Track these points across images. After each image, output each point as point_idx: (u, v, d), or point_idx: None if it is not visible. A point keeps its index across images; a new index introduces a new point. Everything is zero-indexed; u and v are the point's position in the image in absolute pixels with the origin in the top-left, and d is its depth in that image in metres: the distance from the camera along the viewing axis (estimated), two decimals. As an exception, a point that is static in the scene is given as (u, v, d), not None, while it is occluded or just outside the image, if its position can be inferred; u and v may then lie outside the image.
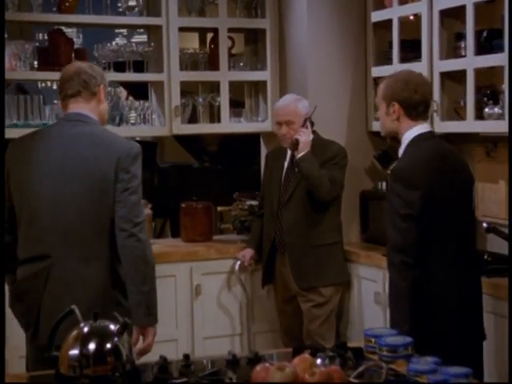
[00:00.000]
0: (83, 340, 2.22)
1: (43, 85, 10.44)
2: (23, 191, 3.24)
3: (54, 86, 11.36)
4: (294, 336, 4.75)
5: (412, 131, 3.34)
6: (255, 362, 2.40)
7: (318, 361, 2.38)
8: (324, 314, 4.61)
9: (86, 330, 2.24)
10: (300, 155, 4.49)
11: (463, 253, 3.33)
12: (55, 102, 9.07)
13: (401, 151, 3.38)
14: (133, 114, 5.08)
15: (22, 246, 3.25)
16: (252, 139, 5.71)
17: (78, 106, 3.29)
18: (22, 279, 3.22)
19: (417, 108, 3.33)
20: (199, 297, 4.81)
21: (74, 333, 2.24)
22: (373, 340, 2.57)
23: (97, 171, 3.17)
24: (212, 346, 4.79)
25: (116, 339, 2.22)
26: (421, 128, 3.35)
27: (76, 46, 5.14)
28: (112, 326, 2.25)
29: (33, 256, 3.19)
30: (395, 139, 4.77)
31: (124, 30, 10.75)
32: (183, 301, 4.78)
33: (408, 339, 2.50)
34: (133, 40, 9.55)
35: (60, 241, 3.16)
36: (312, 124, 4.58)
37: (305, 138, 4.50)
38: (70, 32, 12.79)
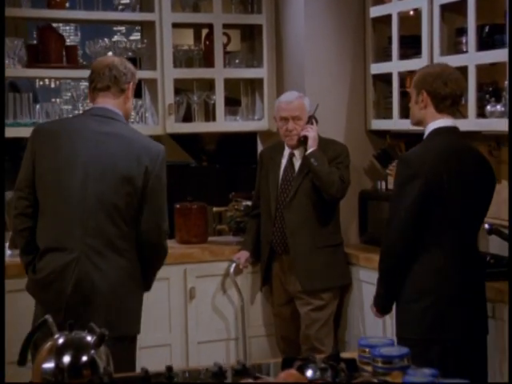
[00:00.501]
0: (58, 352, 2.09)
1: (41, 83, 10.33)
2: (50, 181, 3.30)
3: (52, 85, 11.27)
4: (290, 341, 4.65)
5: (434, 123, 3.40)
6: (242, 374, 2.29)
7: (309, 373, 2.26)
8: (323, 318, 4.49)
9: (60, 341, 2.11)
10: (309, 151, 4.39)
11: (464, 249, 3.37)
12: (53, 100, 8.96)
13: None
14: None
15: (45, 235, 3.32)
16: (251, 138, 5.59)
17: (106, 101, 3.35)
18: (50, 270, 3.27)
19: (444, 101, 3.38)
20: (193, 300, 4.68)
21: (48, 344, 2.12)
22: (367, 350, 2.44)
23: (125, 173, 3.25)
24: (206, 351, 4.68)
25: (92, 351, 2.08)
26: (444, 121, 3.40)
27: (74, 43, 5.06)
28: (89, 338, 2.12)
29: (58, 247, 3.27)
30: (396, 138, 4.73)
31: (122, 28, 10.62)
32: (177, 304, 4.66)
33: (404, 350, 2.37)
34: (131, 38, 9.44)
35: (85, 236, 3.24)
36: (316, 121, 4.48)
37: (313, 133, 4.41)
38: (67, 29, 12.72)
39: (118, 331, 3.16)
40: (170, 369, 2.28)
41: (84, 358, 2.09)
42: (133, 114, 4.93)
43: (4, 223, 3.47)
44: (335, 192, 4.39)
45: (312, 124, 4.45)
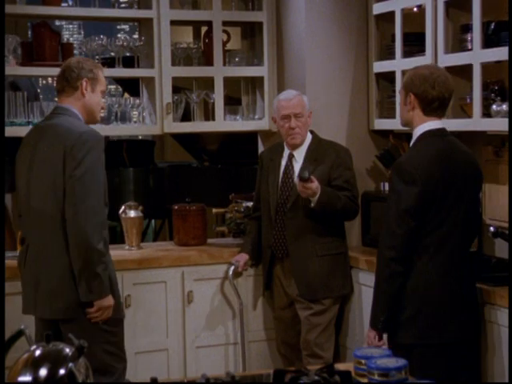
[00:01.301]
0: (34, 365, 1.97)
1: (43, 82, 10.26)
2: (17, 185, 3.68)
3: (55, 84, 11.21)
4: (290, 345, 4.55)
5: (423, 126, 3.39)
6: (231, 387, 2.18)
7: (301, 386, 2.16)
8: (323, 323, 4.38)
9: (37, 353, 1.99)
10: (314, 203, 4.15)
11: (462, 253, 3.38)
12: (56, 99, 8.95)
13: (410, 145, 3.47)
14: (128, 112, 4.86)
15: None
16: (254, 138, 5.49)
17: (62, 100, 3.62)
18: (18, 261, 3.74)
19: (431, 104, 3.38)
20: (191, 304, 4.56)
21: (25, 356, 2.00)
22: (363, 361, 2.32)
23: (49, 160, 3.48)
24: (205, 355, 4.58)
25: (71, 364, 1.97)
26: (432, 124, 3.40)
27: (74, 41, 4.98)
28: (67, 350, 2.00)
29: (21, 239, 3.75)
30: (399, 138, 4.63)
31: (126, 26, 10.58)
32: (174, 308, 4.54)
33: (402, 361, 2.26)
34: (135, 36, 9.36)
35: (31, 228, 3.58)
36: (308, 179, 4.08)
37: (307, 194, 4.14)
38: (70, 28, 12.64)
39: (64, 314, 3.53)
40: (154, 381, 2.16)
41: (62, 371, 1.97)
42: (135, 113, 4.85)
43: (4, 223, 3.52)
44: (352, 218, 4.43)
45: (306, 181, 4.08)
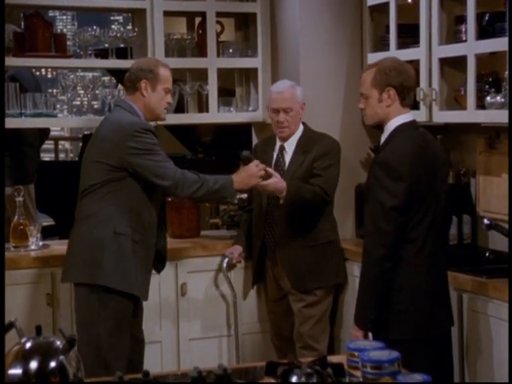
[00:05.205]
0: (24, 357, 1.96)
1: (37, 73, 10.20)
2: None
3: (49, 75, 11.14)
4: (284, 337, 4.55)
5: (397, 119, 3.39)
6: (223, 380, 2.16)
7: (294, 379, 2.15)
8: (317, 315, 4.37)
9: (28, 345, 1.99)
10: (283, 199, 4.17)
11: (439, 246, 3.40)
12: (49, 90, 8.88)
13: (383, 139, 3.43)
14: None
15: None
16: (248, 129, 5.46)
17: (126, 97, 4.04)
18: None
19: (409, 93, 3.39)
20: (185, 296, 4.56)
21: (15, 348, 1.99)
22: (356, 354, 2.31)
23: (101, 151, 3.84)
24: (198, 348, 4.58)
25: (61, 357, 1.96)
26: (405, 117, 3.40)
27: (65, 32, 4.95)
28: (58, 342, 1.99)
29: None
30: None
31: (120, 17, 10.55)
32: (168, 300, 4.54)
33: (394, 354, 2.24)
34: (128, 27, 9.32)
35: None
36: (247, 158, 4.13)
37: (270, 188, 4.13)
38: (64, 19, 12.58)
39: (71, 278, 3.93)
40: (146, 374, 2.14)
41: (52, 364, 1.96)
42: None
43: (4, 222, 3.57)
44: (322, 205, 4.31)
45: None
